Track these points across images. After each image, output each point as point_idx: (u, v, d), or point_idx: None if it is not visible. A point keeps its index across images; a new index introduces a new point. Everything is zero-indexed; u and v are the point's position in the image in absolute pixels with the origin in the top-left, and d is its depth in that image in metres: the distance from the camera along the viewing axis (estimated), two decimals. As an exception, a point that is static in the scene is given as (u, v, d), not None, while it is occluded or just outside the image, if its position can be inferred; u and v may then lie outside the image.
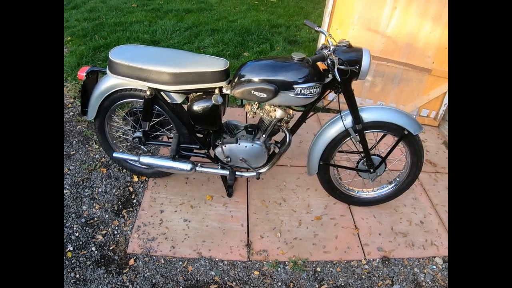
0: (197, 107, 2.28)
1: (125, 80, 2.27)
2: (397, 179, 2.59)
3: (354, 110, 2.20)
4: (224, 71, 2.18)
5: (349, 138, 2.34)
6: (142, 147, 2.63)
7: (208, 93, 2.28)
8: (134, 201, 2.67)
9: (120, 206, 2.63)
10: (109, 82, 2.36)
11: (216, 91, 2.23)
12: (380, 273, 2.28)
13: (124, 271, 2.22)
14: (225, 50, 4.57)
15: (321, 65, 2.10)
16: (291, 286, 2.19)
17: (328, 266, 2.30)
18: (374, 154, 2.44)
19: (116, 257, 2.30)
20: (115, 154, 2.60)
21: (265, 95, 2.09)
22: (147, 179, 2.84)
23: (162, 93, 2.31)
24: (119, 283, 2.16)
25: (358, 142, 2.33)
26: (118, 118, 2.71)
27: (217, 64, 2.18)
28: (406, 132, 2.26)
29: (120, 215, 2.56)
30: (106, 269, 2.23)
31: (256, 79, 2.09)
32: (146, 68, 2.16)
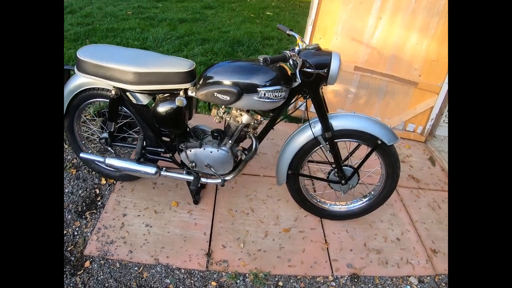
0: (161, 108, 2.21)
1: (92, 79, 2.22)
2: (372, 193, 2.47)
3: (323, 117, 2.11)
4: (189, 72, 2.11)
5: (318, 147, 2.23)
6: (109, 148, 2.55)
7: (173, 94, 2.21)
8: (99, 203, 2.58)
9: (84, 208, 2.53)
10: (77, 81, 2.32)
11: (181, 93, 2.16)
12: (346, 291, 2.15)
13: (78, 273, 2.11)
14: (213, 59, 4.52)
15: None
16: (249, 300, 2.06)
17: (292, 281, 2.17)
18: (347, 165, 2.33)
19: (73, 258, 2.19)
20: (81, 154, 2.53)
21: (228, 98, 2.01)
22: (114, 182, 2.74)
23: (127, 93, 2.25)
24: (71, 285, 2.05)
25: (328, 152, 2.23)
26: (88, 118, 2.64)
27: (182, 65, 2.12)
28: (379, 142, 2.16)
29: (83, 217, 2.46)
30: (57, 272, 2.12)
31: (220, 81, 2.01)
32: (111, 66, 2.11)
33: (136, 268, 2.16)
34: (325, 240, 2.44)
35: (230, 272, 2.17)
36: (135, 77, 2.11)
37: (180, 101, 2.12)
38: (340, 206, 2.55)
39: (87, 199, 2.60)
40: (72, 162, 2.88)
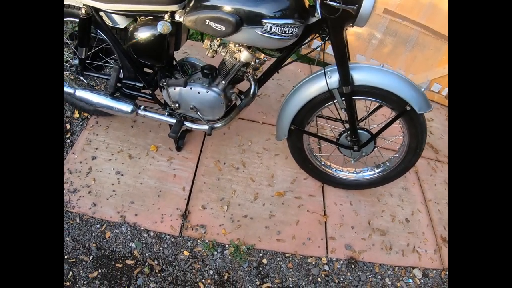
0: (139, 34, 1.75)
1: None
2: (387, 164, 2.07)
3: (343, 67, 1.64)
4: None
5: (332, 102, 1.79)
6: (82, 78, 2.12)
7: (157, 18, 1.73)
8: (68, 141, 2.20)
9: (48, 144, 2.15)
10: None
11: (166, 16, 1.68)
12: (341, 279, 1.82)
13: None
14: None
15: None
16: (225, 277, 1.74)
17: (278, 259, 1.84)
18: (363, 128, 1.90)
19: (24, 207, 1.85)
20: None
21: (222, 28, 1.54)
22: (89, 116, 2.34)
23: (101, 13, 1.77)
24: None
25: (343, 110, 1.79)
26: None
27: None
28: (408, 108, 1.71)
29: (45, 156, 2.09)
30: (6, 219, 1.79)
31: (215, 5, 1.53)
32: None
33: (98, 226, 1.82)
34: (324, 211, 2.08)
35: (207, 241, 1.84)
36: None
37: (163, 26, 1.65)
38: (347, 173, 2.16)
39: (54, 134, 2.21)
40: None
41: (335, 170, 2.16)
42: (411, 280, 1.85)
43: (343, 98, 1.74)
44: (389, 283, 1.83)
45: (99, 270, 1.67)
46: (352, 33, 2.96)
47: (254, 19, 1.49)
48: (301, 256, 1.86)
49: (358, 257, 1.90)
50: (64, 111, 2.34)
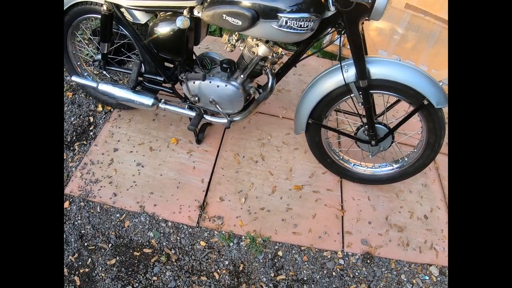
0: (159, 29, 1.82)
1: None
2: (406, 159, 2.04)
3: (359, 60, 1.63)
4: None
5: (349, 96, 1.79)
6: (105, 72, 2.19)
7: (176, 14, 1.77)
8: (91, 133, 2.28)
9: (74, 138, 2.24)
10: None
11: (185, 12, 1.72)
12: (356, 273, 1.82)
13: (53, 214, 1.86)
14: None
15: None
16: (241, 268, 1.77)
17: (294, 251, 1.85)
18: (381, 123, 1.89)
19: (50, 196, 1.93)
20: (73, 78, 2.19)
21: (239, 22, 1.56)
22: (112, 109, 2.41)
23: (122, 9, 1.84)
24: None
25: (360, 104, 1.78)
26: (82, 37, 2.25)
27: None
28: (425, 102, 1.69)
29: (71, 148, 2.18)
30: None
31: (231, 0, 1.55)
32: None
33: (118, 215, 1.89)
34: (342, 206, 2.08)
35: (223, 232, 1.87)
36: None
37: (182, 21, 1.68)
38: (366, 168, 2.14)
39: (79, 128, 2.29)
40: (71, 84, 2.55)
41: (353, 165, 2.15)
42: (427, 277, 1.83)
43: (360, 92, 1.73)
44: (405, 279, 1.81)
45: (117, 258, 1.73)
46: (374, 28, 2.93)
47: (270, 13, 1.51)
48: (316, 250, 1.87)
49: (374, 252, 1.90)
50: (88, 104, 2.42)
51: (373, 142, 1.91)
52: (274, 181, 2.14)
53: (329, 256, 1.85)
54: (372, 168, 2.13)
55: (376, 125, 1.87)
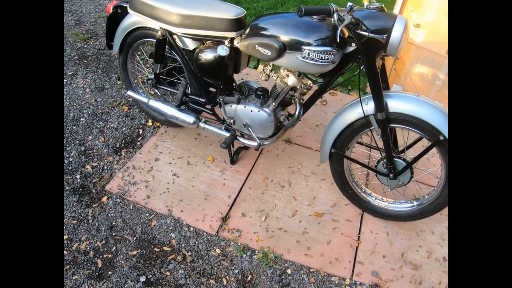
0: (202, 55, 2.09)
1: (142, 18, 2.18)
2: (426, 197, 2.06)
3: (377, 94, 1.75)
4: (235, 20, 1.92)
5: (369, 128, 1.89)
6: (156, 91, 2.49)
7: (220, 43, 2.03)
8: (138, 143, 2.55)
9: (123, 145, 2.53)
10: (130, 19, 2.30)
11: (226, 42, 1.97)
12: (361, 301, 1.84)
13: (93, 205, 2.13)
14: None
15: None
16: (249, 278, 1.87)
17: (302, 272, 1.92)
18: (400, 157, 1.95)
19: (94, 191, 2.21)
20: (128, 92, 2.51)
21: (269, 53, 1.77)
22: (160, 125, 2.69)
23: (174, 36, 2.13)
24: (82, 215, 2.07)
25: (379, 136, 1.88)
26: (142, 58, 2.60)
27: (230, 12, 1.95)
28: (442, 138, 1.75)
29: (118, 153, 2.46)
30: (79, 198, 2.16)
31: (263, 32, 1.77)
32: (156, 6, 2.06)
33: (147, 215, 2.09)
34: (358, 237, 2.12)
35: (239, 244, 2.00)
36: (178, 19, 2.01)
37: (222, 49, 1.93)
38: (387, 203, 2.18)
39: (128, 137, 2.58)
40: (128, 99, 2.89)
41: (375, 199, 2.20)
42: (435, 317, 1.81)
43: (379, 125, 1.83)
44: (411, 314, 1.80)
45: (139, 250, 1.92)
46: (416, 73, 3.01)
47: (295, 46, 1.70)
48: (325, 274, 1.92)
49: (383, 285, 1.90)
50: (140, 118, 2.73)
51: (391, 175, 1.97)
52: (297, 205, 2.25)
53: (336, 282, 1.90)
54: (392, 203, 2.17)
55: (394, 158, 1.94)
